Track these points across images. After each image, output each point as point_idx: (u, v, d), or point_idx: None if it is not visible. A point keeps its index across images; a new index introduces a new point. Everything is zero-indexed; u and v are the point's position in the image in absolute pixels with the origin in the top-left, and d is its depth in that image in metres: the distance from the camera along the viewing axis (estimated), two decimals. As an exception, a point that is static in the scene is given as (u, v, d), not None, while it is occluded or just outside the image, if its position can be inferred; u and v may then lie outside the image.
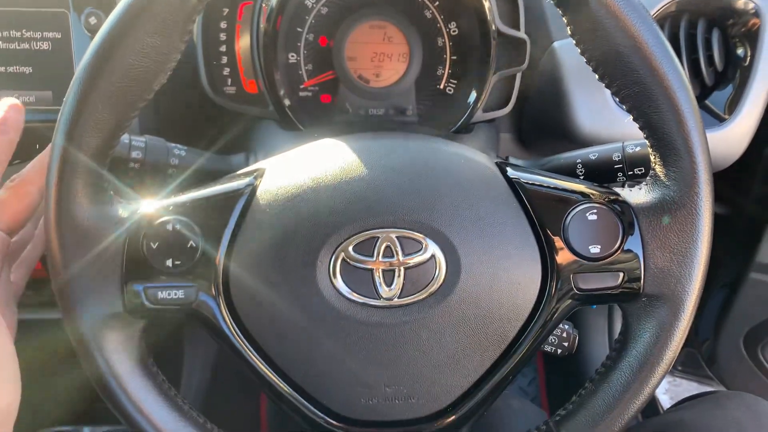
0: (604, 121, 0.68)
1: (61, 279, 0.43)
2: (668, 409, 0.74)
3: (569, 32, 0.45)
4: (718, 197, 0.92)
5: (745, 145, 0.71)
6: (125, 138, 0.55)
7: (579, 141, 0.69)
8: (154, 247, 0.44)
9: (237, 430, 0.49)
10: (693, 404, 0.71)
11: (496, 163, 0.49)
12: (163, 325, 0.49)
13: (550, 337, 0.54)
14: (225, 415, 0.50)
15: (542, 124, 0.75)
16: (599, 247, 0.45)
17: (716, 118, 0.71)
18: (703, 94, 0.72)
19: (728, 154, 0.71)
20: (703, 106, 0.72)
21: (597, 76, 0.45)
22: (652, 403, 1.18)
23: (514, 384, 1.33)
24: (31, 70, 0.62)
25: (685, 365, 1.27)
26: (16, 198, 0.50)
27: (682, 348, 1.24)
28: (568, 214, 0.46)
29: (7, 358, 0.46)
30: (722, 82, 0.72)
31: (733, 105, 0.70)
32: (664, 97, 0.43)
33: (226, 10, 0.64)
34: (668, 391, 1.48)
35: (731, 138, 0.70)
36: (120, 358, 0.45)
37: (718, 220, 0.93)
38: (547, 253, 0.46)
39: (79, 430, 0.93)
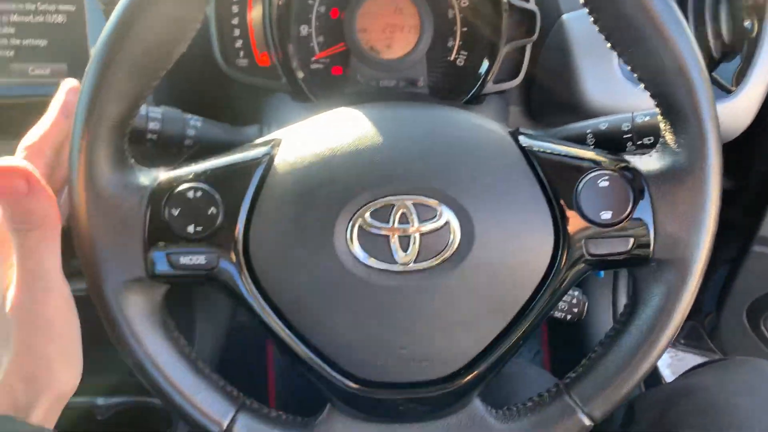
0: (612, 93, 0.69)
1: (85, 245, 0.45)
2: (677, 377, 0.75)
3: (581, 1, 0.45)
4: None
5: (752, 116, 0.72)
6: (142, 110, 0.56)
7: (587, 113, 0.70)
8: (176, 213, 0.45)
9: (247, 393, 0.52)
10: (703, 371, 0.72)
11: (509, 131, 0.50)
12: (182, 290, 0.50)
13: (561, 303, 0.56)
14: (234, 382, 0.52)
15: (551, 96, 0.76)
16: (610, 213, 0.47)
17: (723, 90, 0.72)
18: (710, 66, 0.73)
19: (735, 125, 0.72)
20: (710, 78, 0.73)
21: (608, 45, 0.46)
22: (655, 375, 1.20)
23: (520, 356, 1.36)
24: (46, 43, 0.63)
25: (688, 338, 1.29)
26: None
27: (685, 321, 1.26)
28: (580, 181, 0.47)
29: (76, 337, 0.47)
30: (730, 54, 0.73)
31: (740, 76, 0.71)
32: (675, 66, 0.44)
33: None
34: (671, 365, 1.50)
35: (738, 110, 0.71)
36: (142, 322, 0.46)
37: (723, 194, 0.94)
38: (559, 219, 0.47)
39: (93, 401, 0.96)
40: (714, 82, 0.73)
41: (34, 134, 0.47)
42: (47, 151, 0.47)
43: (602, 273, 0.70)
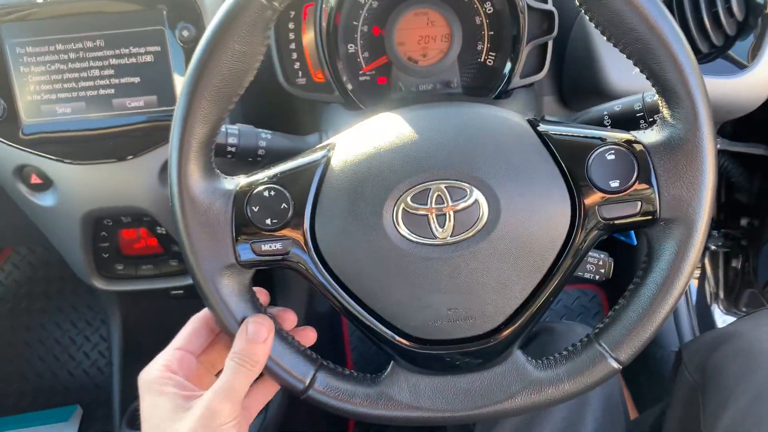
0: (631, 77, 0.74)
1: (185, 243, 0.54)
2: (721, 327, 0.79)
3: (576, 2, 0.52)
4: (758, 139, 0.96)
5: (769, 88, 0.76)
6: (222, 128, 0.66)
7: (611, 96, 0.75)
8: (256, 210, 0.54)
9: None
10: (743, 319, 0.76)
11: (528, 120, 0.57)
12: (267, 274, 0.59)
13: (588, 265, 0.62)
14: (316, 352, 0.61)
15: (579, 84, 0.82)
16: (618, 181, 0.53)
17: (739, 66, 0.76)
18: (726, 44, 0.77)
19: (752, 97, 0.76)
20: (726, 55, 0.78)
21: (605, 37, 0.53)
22: None
23: (577, 303, 1.41)
24: (138, 80, 0.74)
25: (749, 306, 1.30)
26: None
27: (744, 289, 1.28)
28: (590, 156, 0.54)
29: None
30: (744, 31, 0.77)
31: (755, 52, 0.76)
32: (663, 50, 0.50)
33: (293, 13, 0.74)
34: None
35: (754, 83, 0.75)
36: (236, 300, 0.55)
37: (761, 161, 0.98)
38: (574, 190, 0.54)
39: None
40: (730, 59, 0.77)
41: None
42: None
43: (635, 241, 0.76)
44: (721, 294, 1.35)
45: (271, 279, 1.03)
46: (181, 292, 0.93)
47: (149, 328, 1.03)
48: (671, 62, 0.50)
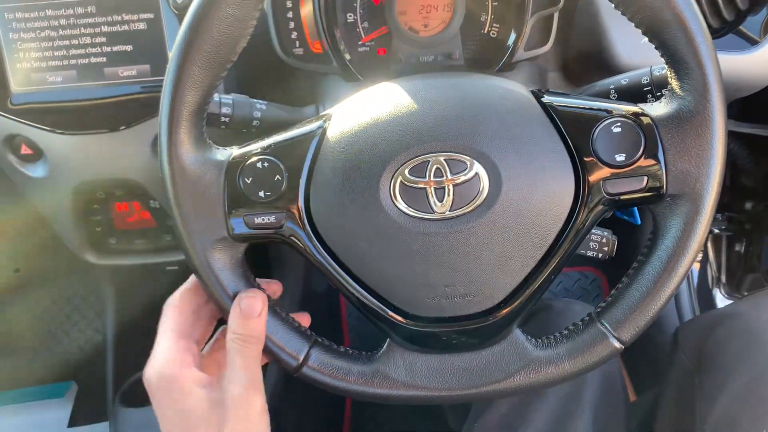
0: (640, 50, 0.72)
1: (176, 215, 0.53)
2: (719, 308, 0.78)
3: None
4: (764, 120, 0.94)
5: (782, 64, 0.74)
6: (215, 97, 0.64)
7: (619, 70, 0.73)
8: (249, 182, 0.53)
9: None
10: (741, 300, 0.75)
11: (532, 91, 0.55)
12: (262, 249, 0.58)
13: (591, 243, 0.61)
14: (313, 329, 0.60)
15: (586, 59, 0.80)
16: (624, 155, 0.52)
17: (750, 42, 0.74)
18: (737, 19, 0.75)
19: (764, 74, 0.74)
20: (737, 31, 0.76)
21: (613, 5, 0.51)
22: None
23: (577, 285, 1.40)
24: (131, 48, 0.72)
25: (752, 290, 1.29)
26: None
27: (747, 274, 1.27)
28: (595, 128, 0.52)
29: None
30: (756, 6, 0.75)
31: (768, 27, 0.74)
32: (673, 18, 0.48)
33: None
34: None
35: (766, 59, 0.73)
36: (228, 274, 0.54)
37: (767, 143, 0.95)
38: (578, 164, 0.52)
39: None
40: (741, 35, 0.75)
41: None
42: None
43: (639, 220, 0.74)
44: (723, 278, 1.34)
45: (268, 257, 1.02)
46: (176, 267, 0.91)
47: (144, 304, 1.02)
48: (682, 31, 0.49)
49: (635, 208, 0.74)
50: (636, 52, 0.74)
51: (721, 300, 1.36)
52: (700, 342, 0.70)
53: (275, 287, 0.61)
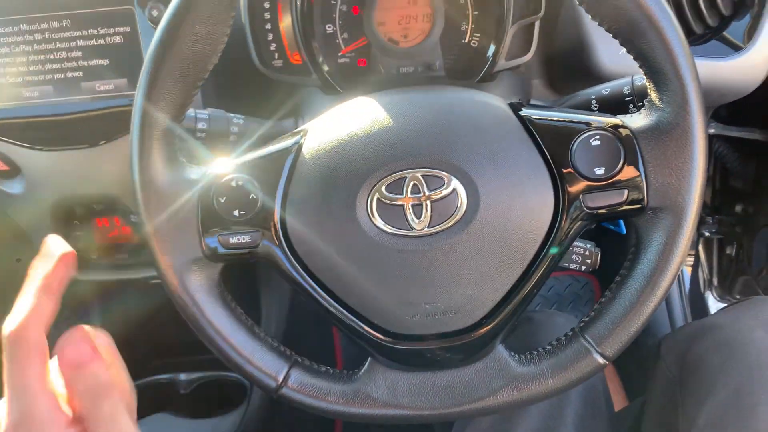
0: (623, 58, 0.71)
1: (148, 234, 0.52)
2: (702, 318, 0.77)
3: None
4: (753, 123, 0.94)
5: (766, 70, 0.73)
6: (191, 112, 0.64)
7: (602, 79, 0.73)
8: (223, 201, 0.52)
9: (316, 361, 0.58)
10: (725, 310, 0.74)
11: (510, 104, 0.55)
12: (237, 267, 0.57)
13: (574, 255, 0.60)
14: (303, 350, 0.59)
15: (569, 67, 0.79)
16: (603, 168, 0.51)
17: (734, 48, 0.74)
18: (721, 24, 0.75)
19: (748, 81, 0.74)
20: (721, 37, 0.75)
21: (590, 17, 0.50)
22: None
23: (569, 290, 1.39)
24: (107, 62, 0.72)
25: (743, 294, 1.29)
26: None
27: (738, 276, 1.27)
28: (574, 141, 0.51)
29: None
30: (740, 12, 0.74)
31: (751, 32, 0.73)
32: (651, 28, 0.48)
33: None
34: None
35: (750, 65, 0.72)
36: (203, 296, 0.53)
37: (756, 146, 0.95)
38: (557, 178, 0.51)
39: (176, 377, 1.06)
40: (725, 41, 0.75)
41: (16, 319, 0.41)
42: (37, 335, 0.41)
43: (624, 230, 0.73)
44: (715, 281, 1.33)
45: (255, 273, 1.01)
46: (160, 281, 0.90)
47: (129, 319, 1.00)
48: (659, 41, 0.48)
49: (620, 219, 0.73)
50: (619, 61, 0.73)
51: (713, 303, 1.36)
52: (682, 353, 0.70)
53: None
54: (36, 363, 0.40)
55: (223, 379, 1.02)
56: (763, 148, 1.03)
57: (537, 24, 0.71)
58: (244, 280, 0.56)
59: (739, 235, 1.22)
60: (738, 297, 1.35)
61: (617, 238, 0.99)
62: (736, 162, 1.11)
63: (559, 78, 0.81)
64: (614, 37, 0.50)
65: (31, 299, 0.41)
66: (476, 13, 0.72)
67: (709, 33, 0.74)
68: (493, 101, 0.54)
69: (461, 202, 0.51)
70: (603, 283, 1.44)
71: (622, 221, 0.74)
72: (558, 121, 0.53)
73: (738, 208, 1.20)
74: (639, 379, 1.21)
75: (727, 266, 1.29)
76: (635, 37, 0.49)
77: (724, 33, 0.75)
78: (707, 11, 0.73)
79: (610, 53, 0.73)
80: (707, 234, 1.25)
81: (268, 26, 0.72)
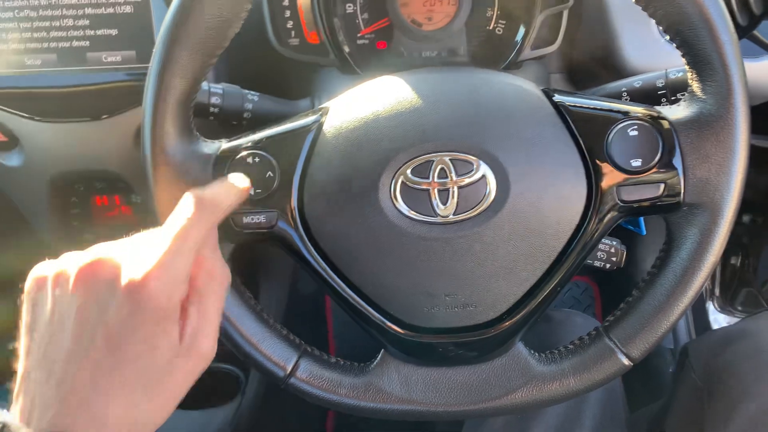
0: (651, 53, 0.70)
1: (158, 209, 0.49)
2: (731, 324, 0.75)
3: None
4: (766, 131, 0.92)
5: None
6: (204, 86, 0.61)
7: (627, 73, 0.71)
8: None
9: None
10: (755, 318, 0.72)
11: (543, 89, 0.52)
12: (248, 249, 0.55)
13: (599, 252, 0.58)
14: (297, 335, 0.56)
15: (592, 61, 0.77)
16: (640, 160, 0.49)
17: (765, 48, 0.72)
18: (751, 23, 0.73)
19: (776, 82, 0.72)
20: (751, 36, 0.73)
21: (623, 8, 0.48)
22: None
23: (568, 294, 1.37)
24: (116, 32, 0.69)
25: (746, 305, 1.28)
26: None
27: (742, 288, 1.25)
28: (611, 131, 0.49)
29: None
30: (772, 10, 0.72)
31: (783, 32, 0.71)
32: (698, 15, 0.46)
33: None
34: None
35: (780, 66, 0.71)
36: None
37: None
38: (591, 168, 0.49)
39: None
40: (755, 40, 0.73)
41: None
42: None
43: (645, 230, 0.71)
44: (717, 291, 1.32)
45: (253, 255, 0.98)
46: None
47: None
48: (707, 29, 0.46)
49: (641, 218, 0.71)
50: (646, 54, 0.71)
51: (713, 312, 1.34)
52: (710, 360, 0.68)
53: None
54: (203, 227, 0.41)
55: (218, 370, 0.99)
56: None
57: (565, 13, 0.69)
58: (242, 260, 0.53)
59: (746, 246, 1.20)
60: (739, 308, 1.34)
61: (630, 239, 0.97)
62: (749, 171, 1.10)
63: (581, 72, 0.79)
64: (658, 23, 0.48)
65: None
66: (502, -1, 0.70)
67: (740, 32, 0.72)
68: (526, 86, 0.52)
69: (490, 190, 0.48)
70: (603, 288, 1.42)
71: (642, 221, 0.71)
72: (594, 109, 0.50)
73: (746, 218, 1.18)
74: (641, 385, 1.19)
75: (730, 276, 1.28)
76: (682, 25, 0.47)
77: (755, 32, 0.73)
78: (738, 10, 0.71)
79: (637, 46, 0.71)
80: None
81: (286, 2, 0.69)
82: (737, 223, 1.23)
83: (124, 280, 0.37)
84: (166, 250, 0.38)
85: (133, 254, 0.39)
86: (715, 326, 1.30)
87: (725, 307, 1.31)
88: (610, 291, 1.33)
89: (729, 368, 0.65)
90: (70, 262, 0.39)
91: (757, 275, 1.20)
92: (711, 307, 1.34)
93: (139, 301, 0.37)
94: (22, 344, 0.39)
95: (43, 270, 0.40)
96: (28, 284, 0.40)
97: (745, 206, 1.20)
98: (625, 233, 0.76)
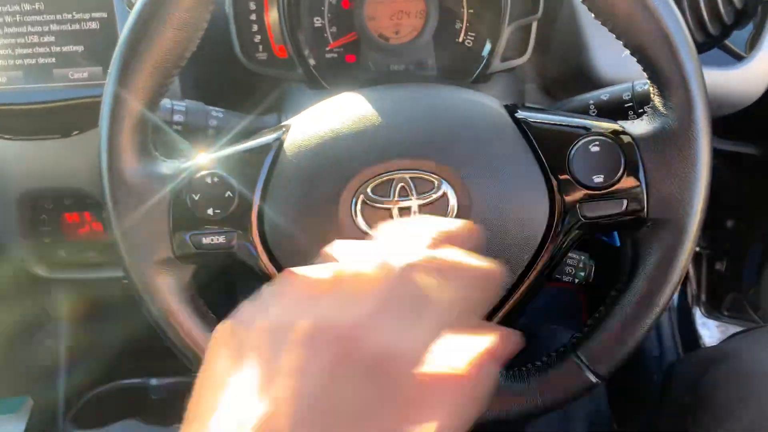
0: (623, 64, 0.69)
1: (116, 231, 0.49)
2: (717, 343, 0.75)
3: None
4: (748, 137, 0.92)
5: (766, 82, 0.71)
6: (168, 103, 0.60)
7: (600, 84, 0.70)
8: (196, 198, 0.49)
9: None
10: (741, 337, 0.72)
11: (505, 105, 0.52)
12: (211, 269, 0.54)
13: (566, 267, 0.57)
14: None
15: (565, 72, 0.76)
16: (602, 176, 0.48)
17: (736, 57, 0.71)
18: (723, 33, 0.72)
19: (749, 91, 0.72)
20: (722, 45, 0.73)
21: (592, 15, 0.48)
22: (696, 344, 1.20)
23: (555, 302, 1.36)
24: (82, 48, 0.68)
25: (732, 310, 1.27)
26: None
27: (728, 293, 1.24)
28: (572, 147, 0.49)
29: None
30: (742, 20, 0.72)
31: (754, 42, 0.71)
32: (657, 31, 0.45)
33: None
34: (715, 336, 1.48)
35: (752, 75, 0.70)
36: (172, 298, 0.50)
37: (750, 161, 0.93)
38: (554, 185, 0.49)
39: (146, 382, 1.02)
40: (726, 50, 0.73)
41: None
42: None
43: (618, 242, 0.71)
44: (703, 297, 1.32)
45: (232, 272, 0.97)
46: None
47: (99, 320, 0.96)
48: (666, 45, 0.46)
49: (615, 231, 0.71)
50: (618, 66, 0.70)
51: (700, 318, 1.34)
52: (695, 380, 0.67)
53: None
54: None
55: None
56: (759, 163, 1.01)
57: (534, 25, 0.69)
58: (220, 279, 0.53)
59: (730, 252, 1.20)
60: (726, 313, 1.34)
61: (609, 251, 0.97)
62: (730, 177, 1.09)
63: (554, 83, 0.78)
64: (618, 38, 0.48)
65: None
66: (471, 11, 0.70)
67: (711, 41, 0.72)
68: (488, 102, 0.51)
69: (451, 207, 0.48)
70: (590, 297, 1.41)
71: (616, 233, 0.71)
72: (556, 125, 0.50)
73: (729, 224, 1.18)
74: (627, 396, 1.19)
75: (716, 282, 1.27)
76: (641, 41, 0.46)
77: (726, 42, 0.72)
78: (709, 19, 0.71)
79: (609, 58, 0.71)
80: (697, 249, 1.23)
81: (253, 17, 0.69)
82: (721, 228, 1.23)
83: None
84: None
85: None
86: (702, 331, 1.30)
87: (712, 313, 1.30)
88: (597, 301, 1.32)
89: (713, 389, 0.64)
90: None
91: (743, 280, 1.19)
92: (698, 313, 1.34)
93: None
94: None
95: None
96: None
97: (728, 211, 1.20)
98: (604, 245, 0.75)
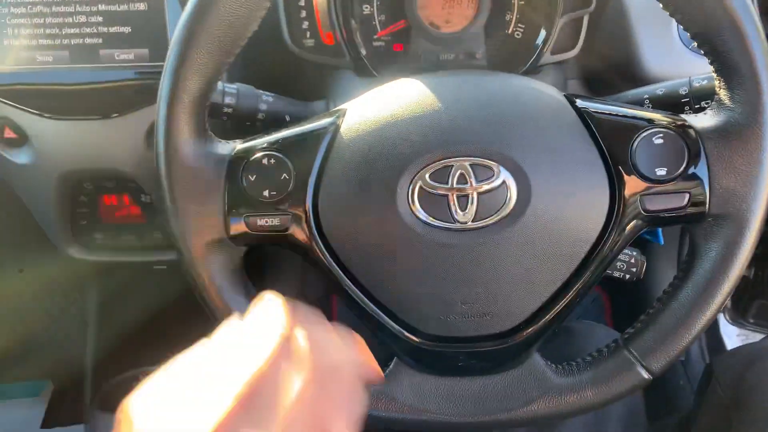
0: (672, 61, 0.69)
1: (169, 210, 0.49)
2: (756, 341, 0.74)
3: None
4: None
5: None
6: (219, 86, 0.60)
7: (645, 81, 0.69)
8: (252, 179, 0.49)
9: None
10: None
11: (566, 95, 0.51)
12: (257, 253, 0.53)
13: (618, 263, 0.57)
14: None
15: (610, 68, 0.76)
16: (665, 169, 0.47)
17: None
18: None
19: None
20: None
21: (661, 5, 0.47)
22: (721, 346, 1.18)
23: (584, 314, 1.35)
24: (130, 30, 0.68)
25: (758, 317, 1.26)
26: None
27: (754, 300, 1.23)
28: (635, 138, 0.48)
29: None
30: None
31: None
32: (728, 21, 0.44)
33: None
34: (741, 343, 1.47)
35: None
36: (224, 279, 0.50)
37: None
38: (615, 176, 0.48)
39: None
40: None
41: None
42: None
43: (662, 240, 0.70)
44: (728, 303, 1.30)
45: (262, 256, 0.97)
46: (164, 267, 0.86)
47: (128, 305, 0.96)
48: (737, 36, 0.45)
49: (659, 228, 0.70)
50: (665, 62, 0.70)
51: (724, 325, 1.33)
52: (737, 376, 0.66)
53: None
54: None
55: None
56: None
57: (586, 18, 0.68)
58: (250, 257, 0.52)
59: (760, 258, 1.19)
60: (751, 321, 1.32)
61: (648, 249, 0.96)
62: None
63: (599, 79, 0.78)
64: (686, 29, 0.47)
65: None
66: (522, 2, 0.69)
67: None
68: (549, 90, 0.51)
69: (510, 196, 0.47)
70: (614, 299, 1.40)
71: (660, 231, 0.70)
72: (618, 116, 0.49)
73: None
74: (653, 396, 1.18)
75: (742, 288, 1.26)
76: (711, 32, 0.45)
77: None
78: (759, 17, 0.70)
79: (657, 55, 0.70)
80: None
81: (302, 2, 0.68)
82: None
83: None
84: None
85: None
86: (725, 339, 1.28)
87: (736, 320, 1.29)
88: (622, 301, 1.31)
89: (757, 385, 0.63)
90: None
91: (770, 287, 1.18)
92: (722, 319, 1.32)
93: None
94: None
95: None
96: None
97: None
98: (640, 243, 0.74)
